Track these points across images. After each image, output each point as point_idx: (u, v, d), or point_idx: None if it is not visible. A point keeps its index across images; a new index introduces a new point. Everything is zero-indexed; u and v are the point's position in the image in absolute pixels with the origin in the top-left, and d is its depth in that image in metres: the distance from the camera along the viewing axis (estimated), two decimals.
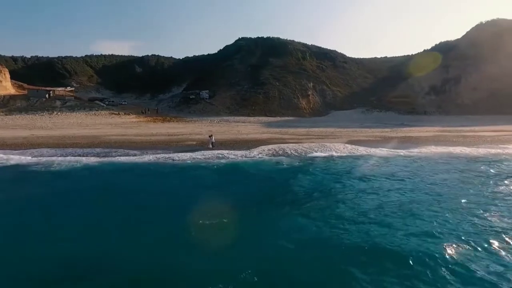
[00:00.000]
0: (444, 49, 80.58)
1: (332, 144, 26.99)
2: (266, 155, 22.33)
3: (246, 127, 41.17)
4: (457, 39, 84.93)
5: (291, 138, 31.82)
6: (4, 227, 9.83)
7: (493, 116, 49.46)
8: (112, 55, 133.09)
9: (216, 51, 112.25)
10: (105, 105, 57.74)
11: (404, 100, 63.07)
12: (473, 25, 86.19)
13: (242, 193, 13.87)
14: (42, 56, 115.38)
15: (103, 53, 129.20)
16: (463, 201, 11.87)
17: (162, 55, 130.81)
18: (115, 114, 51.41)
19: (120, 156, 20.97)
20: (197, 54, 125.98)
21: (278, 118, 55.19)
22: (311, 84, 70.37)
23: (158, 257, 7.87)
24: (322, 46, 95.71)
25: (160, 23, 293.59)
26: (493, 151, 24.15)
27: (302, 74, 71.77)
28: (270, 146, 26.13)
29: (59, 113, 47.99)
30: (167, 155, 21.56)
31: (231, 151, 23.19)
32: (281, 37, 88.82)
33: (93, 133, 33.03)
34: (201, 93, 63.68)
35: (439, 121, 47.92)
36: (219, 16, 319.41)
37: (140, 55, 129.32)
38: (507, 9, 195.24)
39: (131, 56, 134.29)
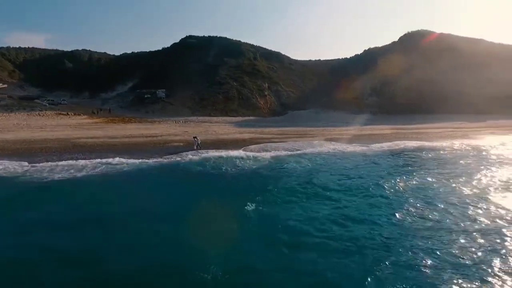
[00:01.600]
0: (375, 54, 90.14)
1: (318, 142, 28.71)
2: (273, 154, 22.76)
3: (219, 127, 40.89)
4: (386, 46, 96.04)
5: (273, 137, 32.70)
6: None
7: (427, 115, 57.54)
8: (33, 48, 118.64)
9: (160, 48, 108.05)
10: (47, 104, 51.25)
11: (352, 101, 68.95)
12: (401, 34, 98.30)
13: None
14: None
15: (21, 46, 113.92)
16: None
17: (94, 50, 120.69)
18: (63, 114, 46.09)
19: (122, 159, 19.47)
20: (136, 51, 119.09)
21: (241, 118, 55.66)
22: (266, 84, 72.37)
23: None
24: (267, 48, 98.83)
25: (82, 14, 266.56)
26: (447, 143, 28.51)
27: (257, 75, 73.33)
28: (261, 146, 26.76)
29: None
30: (170, 158, 20.72)
31: (244, 152, 23.11)
32: (227, 36, 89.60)
33: (56, 136, 29.44)
34: (157, 92, 60.58)
35: (386, 120, 53.81)
36: (149, 11, 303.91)
37: (59, 48, 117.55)
38: (429, 21, 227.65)
39: (57, 50, 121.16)
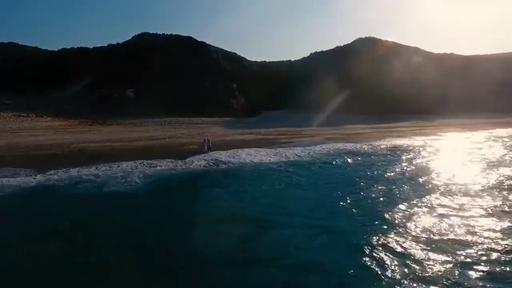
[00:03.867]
0: (324, 58, 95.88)
1: (332, 141, 30.09)
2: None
3: (212, 128, 40.02)
4: (331, 50, 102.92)
5: (275, 137, 33.26)
6: None
7: (387, 115, 63.55)
8: None
9: (106, 45, 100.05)
10: None
11: (317, 102, 72.41)
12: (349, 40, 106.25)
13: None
14: None
15: None
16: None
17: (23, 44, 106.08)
18: (23, 116, 40.33)
19: (167, 162, 18.31)
20: (75, 46, 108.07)
21: (217, 119, 54.99)
22: (235, 85, 72.29)
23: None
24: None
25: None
26: (429, 139, 32.20)
27: (225, 75, 72.85)
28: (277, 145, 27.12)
29: None
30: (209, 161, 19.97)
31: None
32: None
33: (46, 141, 25.98)
34: (127, 92, 56.27)
35: (354, 120, 57.80)
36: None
37: None
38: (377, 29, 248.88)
39: None
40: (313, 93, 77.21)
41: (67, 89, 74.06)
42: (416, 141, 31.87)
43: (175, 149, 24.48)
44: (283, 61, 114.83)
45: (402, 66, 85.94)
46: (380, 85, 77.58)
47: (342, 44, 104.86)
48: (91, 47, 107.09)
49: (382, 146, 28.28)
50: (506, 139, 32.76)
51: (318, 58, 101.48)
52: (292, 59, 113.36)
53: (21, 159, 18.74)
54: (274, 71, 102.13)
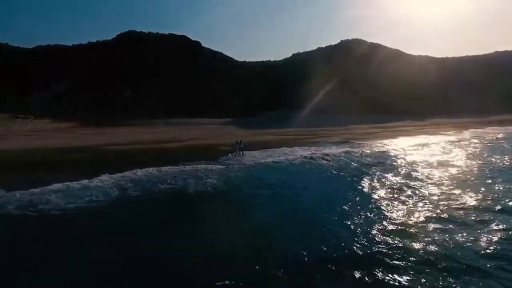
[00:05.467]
0: (306, 58, 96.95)
1: (355, 141, 30.43)
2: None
3: (226, 130, 39.31)
4: (319, 50, 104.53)
5: (293, 138, 33.16)
6: None
7: (378, 116, 65.25)
8: None
9: (86, 42, 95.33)
10: None
11: (310, 103, 73.05)
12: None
13: None
14: None
15: None
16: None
17: None
18: (20, 117, 37.62)
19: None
20: (51, 44, 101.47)
21: (218, 120, 54.20)
22: (229, 85, 71.56)
23: None
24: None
25: None
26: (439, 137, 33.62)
27: (219, 76, 71.83)
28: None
29: None
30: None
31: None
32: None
33: (74, 144, 24.40)
34: (123, 92, 53.92)
35: (354, 120, 58.79)
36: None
37: None
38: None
39: None
40: (308, 93, 77.84)
41: (51, 89, 69.48)
42: (427, 139, 33.07)
43: (212, 150, 23.92)
44: (272, 60, 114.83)
45: (388, 68, 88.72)
46: (374, 86, 79.54)
47: (324, 46, 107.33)
48: (70, 45, 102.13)
49: (407, 144, 29.17)
50: (499, 136, 35.38)
51: (307, 58, 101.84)
52: (278, 59, 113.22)
53: (65, 163, 17.60)
54: (265, 71, 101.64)
